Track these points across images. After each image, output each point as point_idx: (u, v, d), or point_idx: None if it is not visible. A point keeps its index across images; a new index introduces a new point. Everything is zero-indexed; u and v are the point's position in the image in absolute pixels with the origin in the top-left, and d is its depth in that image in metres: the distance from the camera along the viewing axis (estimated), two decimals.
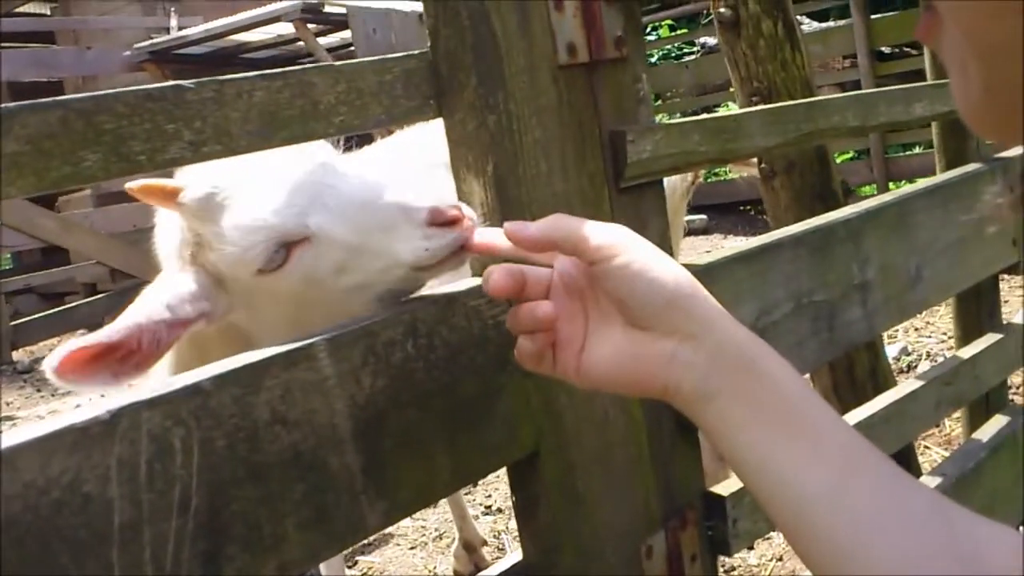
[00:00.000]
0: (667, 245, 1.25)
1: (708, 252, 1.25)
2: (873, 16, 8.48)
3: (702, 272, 1.21)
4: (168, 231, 1.18)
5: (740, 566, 2.75)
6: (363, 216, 1.03)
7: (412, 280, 1.03)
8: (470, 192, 1.08)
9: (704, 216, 8.45)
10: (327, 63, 0.97)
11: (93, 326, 8.57)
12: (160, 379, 1.28)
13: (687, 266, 1.21)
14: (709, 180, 9.11)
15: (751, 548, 2.81)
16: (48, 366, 0.93)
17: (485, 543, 3.07)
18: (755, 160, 2.92)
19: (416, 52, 1.06)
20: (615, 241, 0.79)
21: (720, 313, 0.78)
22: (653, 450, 1.21)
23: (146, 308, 1.05)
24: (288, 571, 0.87)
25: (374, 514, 0.93)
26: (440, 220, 0.98)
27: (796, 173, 1.99)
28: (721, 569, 2.67)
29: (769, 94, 1.96)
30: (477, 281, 1.06)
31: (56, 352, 0.93)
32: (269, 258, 1.06)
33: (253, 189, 1.07)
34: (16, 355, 7.74)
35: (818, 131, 1.48)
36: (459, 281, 1.06)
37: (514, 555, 1.15)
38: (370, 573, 3.17)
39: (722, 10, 1.91)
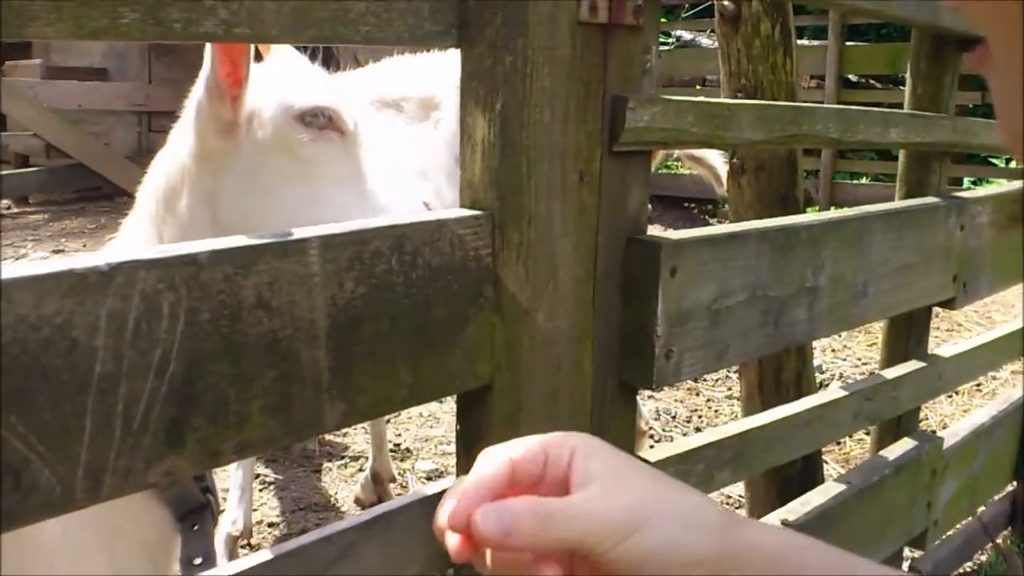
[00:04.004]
0: (644, 213, 1.30)
1: None
2: (847, 43, 8.62)
3: (672, 247, 1.26)
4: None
5: None
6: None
7: None
8: (474, 126, 1.10)
9: (648, 205, 8.54)
10: None
11: (19, 199, 8.37)
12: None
13: (657, 239, 1.27)
14: (660, 171, 9.19)
15: None
16: None
17: (393, 479, 3.11)
18: (711, 162, 2.99)
19: None
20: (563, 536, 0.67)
21: (680, 527, 0.69)
22: (595, 405, 1.26)
23: None
24: (245, 451, 0.90)
25: (333, 413, 0.96)
26: None
27: (765, 173, 2.05)
28: None
29: (755, 92, 2.00)
30: (468, 213, 1.09)
31: None
32: (315, 110, 1.18)
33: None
34: None
35: (800, 135, 1.53)
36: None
37: (450, 479, 1.19)
38: (271, 482, 3.19)
39: (725, 3, 1.95)
